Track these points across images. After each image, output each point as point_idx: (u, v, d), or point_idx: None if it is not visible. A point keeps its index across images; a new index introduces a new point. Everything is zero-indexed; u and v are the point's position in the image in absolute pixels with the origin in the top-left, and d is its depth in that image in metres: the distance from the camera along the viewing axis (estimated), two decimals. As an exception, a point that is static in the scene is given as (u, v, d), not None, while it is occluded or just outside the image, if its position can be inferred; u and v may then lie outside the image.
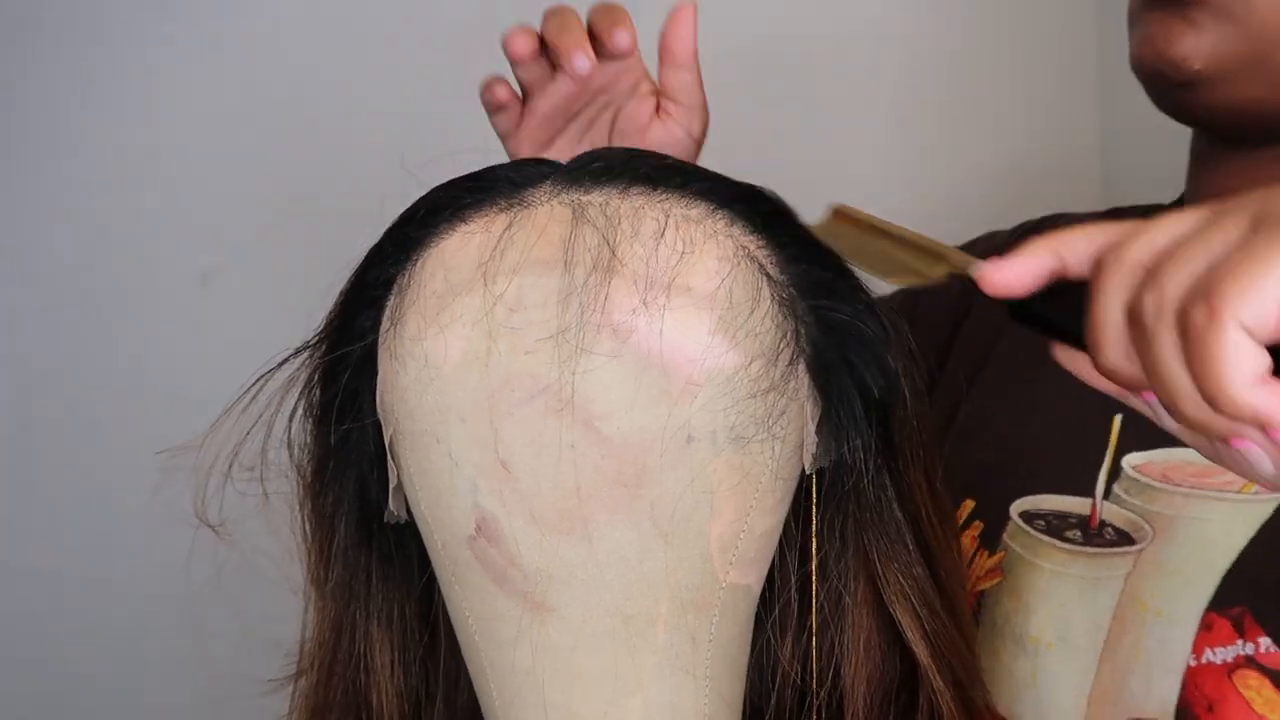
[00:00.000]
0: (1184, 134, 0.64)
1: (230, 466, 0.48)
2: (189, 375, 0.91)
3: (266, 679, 0.52)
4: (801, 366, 0.44)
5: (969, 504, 0.62)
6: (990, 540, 0.60)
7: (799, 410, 0.44)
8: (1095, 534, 0.57)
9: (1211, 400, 0.33)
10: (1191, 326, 0.33)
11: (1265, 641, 0.50)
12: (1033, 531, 0.59)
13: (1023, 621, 0.57)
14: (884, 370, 0.45)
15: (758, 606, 0.46)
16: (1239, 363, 0.32)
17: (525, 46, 0.60)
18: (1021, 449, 0.62)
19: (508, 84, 0.64)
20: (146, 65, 1.03)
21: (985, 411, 0.65)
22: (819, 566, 0.47)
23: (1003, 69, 1.15)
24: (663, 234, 0.42)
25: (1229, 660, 0.51)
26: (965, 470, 0.64)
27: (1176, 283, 0.33)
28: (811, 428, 0.44)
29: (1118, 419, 0.58)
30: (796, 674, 0.48)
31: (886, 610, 0.47)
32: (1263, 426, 0.33)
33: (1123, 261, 0.35)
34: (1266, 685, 0.50)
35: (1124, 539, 0.56)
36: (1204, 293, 0.32)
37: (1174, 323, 0.33)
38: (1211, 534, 0.54)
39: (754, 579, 0.45)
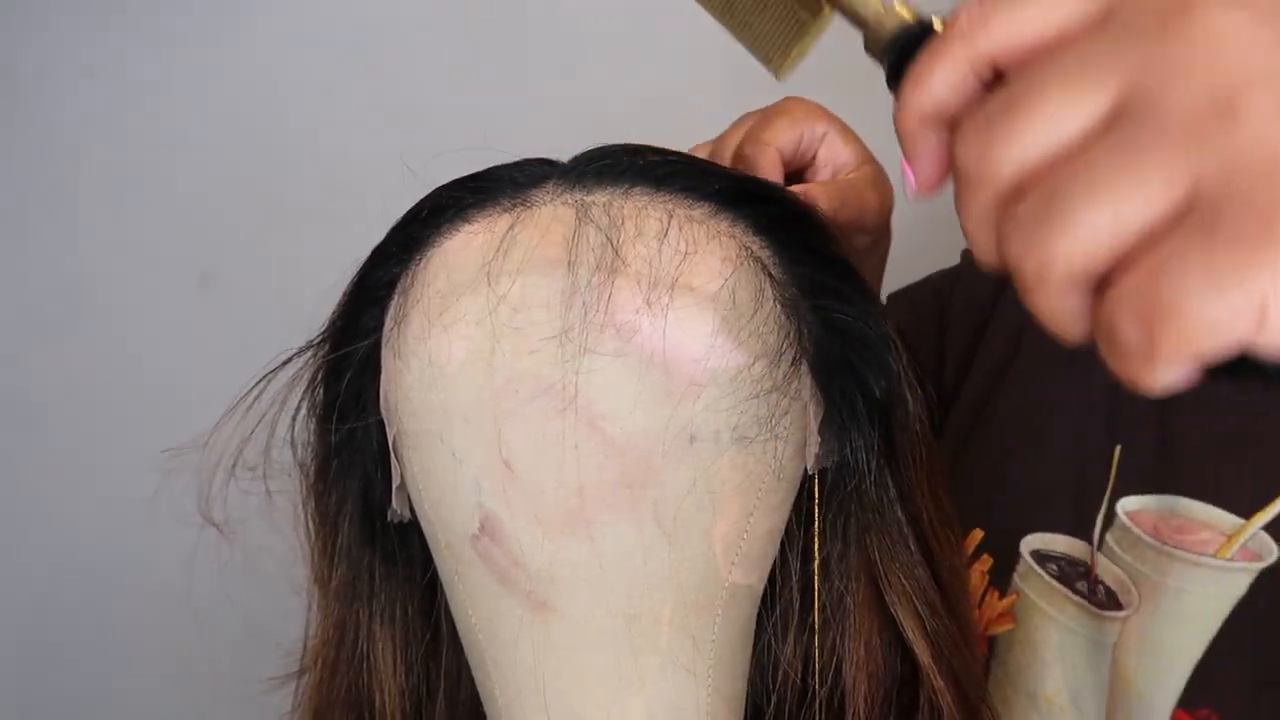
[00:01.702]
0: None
1: (234, 466, 0.48)
2: (189, 375, 0.91)
3: (269, 677, 0.52)
4: (804, 367, 0.44)
5: (978, 534, 0.59)
6: (1000, 578, 0.57)
7: (802, 411, 0.44)
8: (1093, 591, 0.53)
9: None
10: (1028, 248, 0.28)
11: None
12: (1046, 576, 0.55)
13: (1036, 677, 0.53)
14: (886, 371, 0.45)
15: (759, 606, 0.46)
16: (1164, 383, 0.28)
17: None
18: (1033, 480, 0.57)
19: None
20: (146, 65, 1.03)
21: (999, 433, 0.60)
22: (821, 566, 0.47)
23: None
24: (666, 234, 0.43)
25: None
26: (975, 497, 0.60)
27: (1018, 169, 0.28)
28: (814, 428, 0.44)
29: (1117, 450, 0.54)
30: (797, 674, 0.48)
31: (888, 610, 0.47)
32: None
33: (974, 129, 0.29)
34: None
35: (1113, 602, 0.52)
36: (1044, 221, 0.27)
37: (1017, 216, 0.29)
38: (1189, 609, 0.50)
39: (756, 579, 0.45)
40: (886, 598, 0.46)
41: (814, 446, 0.44)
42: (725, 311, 0.42)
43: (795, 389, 0.44)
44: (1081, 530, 0.54)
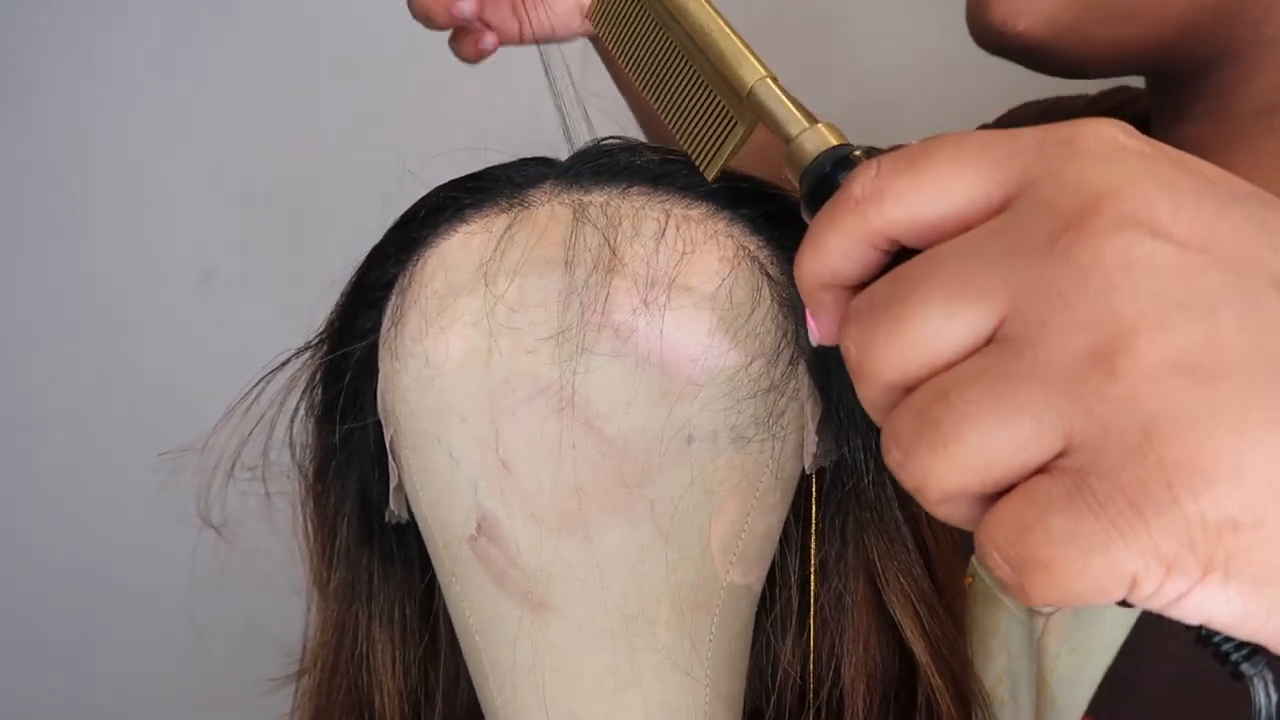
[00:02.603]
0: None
1: (232, 467, 0.48)
2: (188, 376, 0.91)
3: (268, 678, 0.52)
4: (802, 367, 0.44)
5: None
6: (962, 560, 0.55)
7: (799, 410, 0.44)
8: None
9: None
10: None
11: None
12: None
13: (981, 669, 0.52)
14: None
15: (757, 606, 0.46)
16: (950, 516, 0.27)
17: None
18: None
19: None
20: (146, 65, 1.03)
21: None
22: (819, 566, 0.47)
23: None
24: (663, 234, 0.43)
25: None
26: None
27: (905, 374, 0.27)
28: (812, 428, 0.44)
29: None
30: (796, 673, 0.48)
31: (886, 610, 0.47)
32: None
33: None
34: None
35: None
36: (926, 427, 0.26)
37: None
38: (1105, 610, 0.48)
39: (754, 579, 0.45)
40: (884, 597, 0.46)
41: (812, 446, 0.44)
42: (723, 311, 0.42)
43: (793, 388, 0.44)
44: None
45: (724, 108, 0.35)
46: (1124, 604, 0.25)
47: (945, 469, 0.26)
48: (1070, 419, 0.24)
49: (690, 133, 0.37)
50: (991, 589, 0.54)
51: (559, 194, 0.44)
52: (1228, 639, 0.26)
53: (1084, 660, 0.48)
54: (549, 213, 0.44)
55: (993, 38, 0.51)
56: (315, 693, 0.50)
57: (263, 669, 0.52)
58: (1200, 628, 0.26)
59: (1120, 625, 0.48)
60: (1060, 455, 0.25)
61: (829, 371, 0.44)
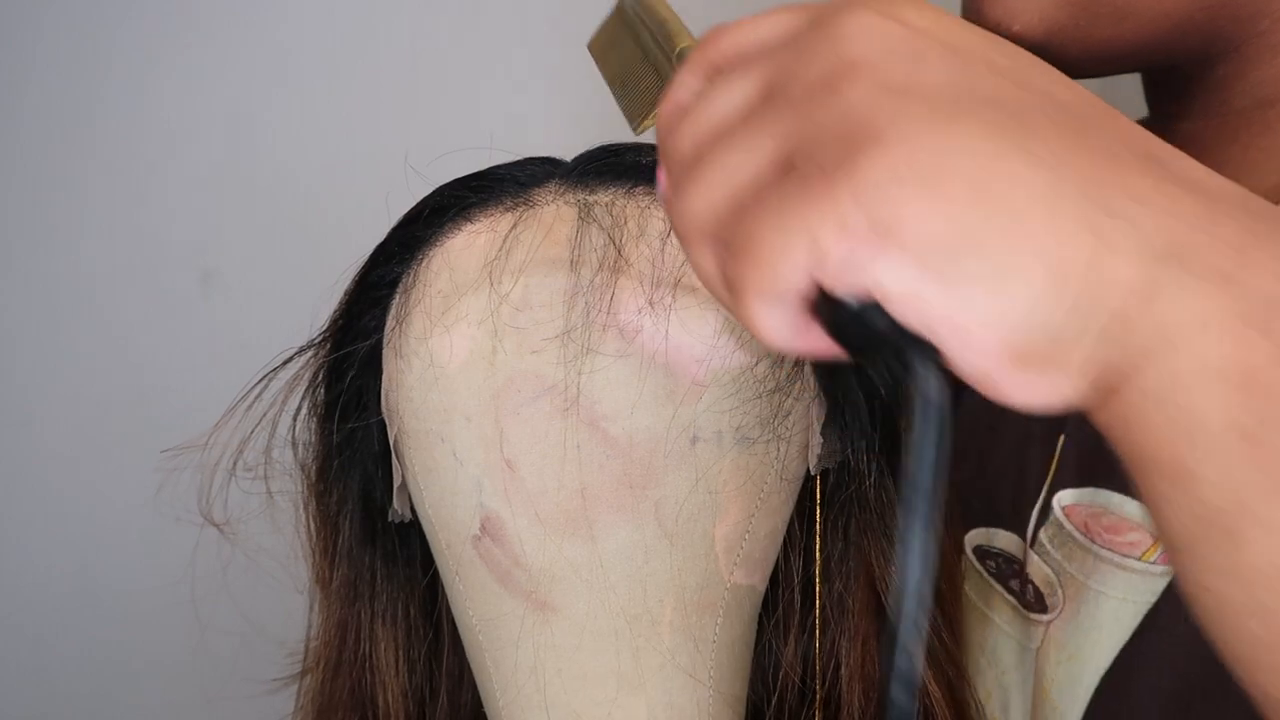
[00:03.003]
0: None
1: (234, 466, 0.48)
2: (190, 375, 0.91)
3: (271, 678, 0.52)
4: (807, 368, 0.44)
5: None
6: None
7: (804, 411, 0.44)
8: (1024, 592, 0.51)
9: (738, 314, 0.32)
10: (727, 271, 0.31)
11: None
12: (985, 574, 0.53)
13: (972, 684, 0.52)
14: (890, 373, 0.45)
15: (761, 607, 0.46)
16: (768, 328, 0.30)
17: None
18: (981, 473, 0.55)
19: None
20: (146, 64, 1.03)
21: (963, 425, 0.59)
22: (822, 567, 0.47)
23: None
24: (669, 234, 0.43)
25: None
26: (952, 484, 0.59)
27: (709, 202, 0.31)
28: (816, 429, 0.44)
29: (1060, 439, 0.51)
30: (797, 675, 0.48)
31: (885, 613, 0.47)
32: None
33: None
34: None
35: (1040, 603, 0.50)
36: (727, 247, 0.30)
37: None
38: (1104, 614, 0.48)
39: (758, 579, 0.45)
40: (884, 600, 0.46)
41: (816, 447, 0.44)
42: (728, 312, 0.42)
43: (798, 389, 0.44)
44: (1019, 525, 0.53)
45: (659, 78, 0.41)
46: (860, 335, 0.29)
47: (698, 190, 0.31)
48: (798, 127, 0.29)
49: (629, 100, 0.42)
50: (976, 603, 0.54)
51: (564, 193, 0.44)
52: (907, 333, 0.28)
53: (1081, 668, 0.48)
54: (554, 212, 0.44)
55: None
56: (318, 692, 0.50)
57: (265, 668, 0.52)
58: (882, 317, 0.29)
59: (1119, 632, 0.48)
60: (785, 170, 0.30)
61: (834, 372, 0.44)
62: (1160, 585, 0.47)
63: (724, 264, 0.31)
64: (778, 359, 0.43)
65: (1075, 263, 0.27)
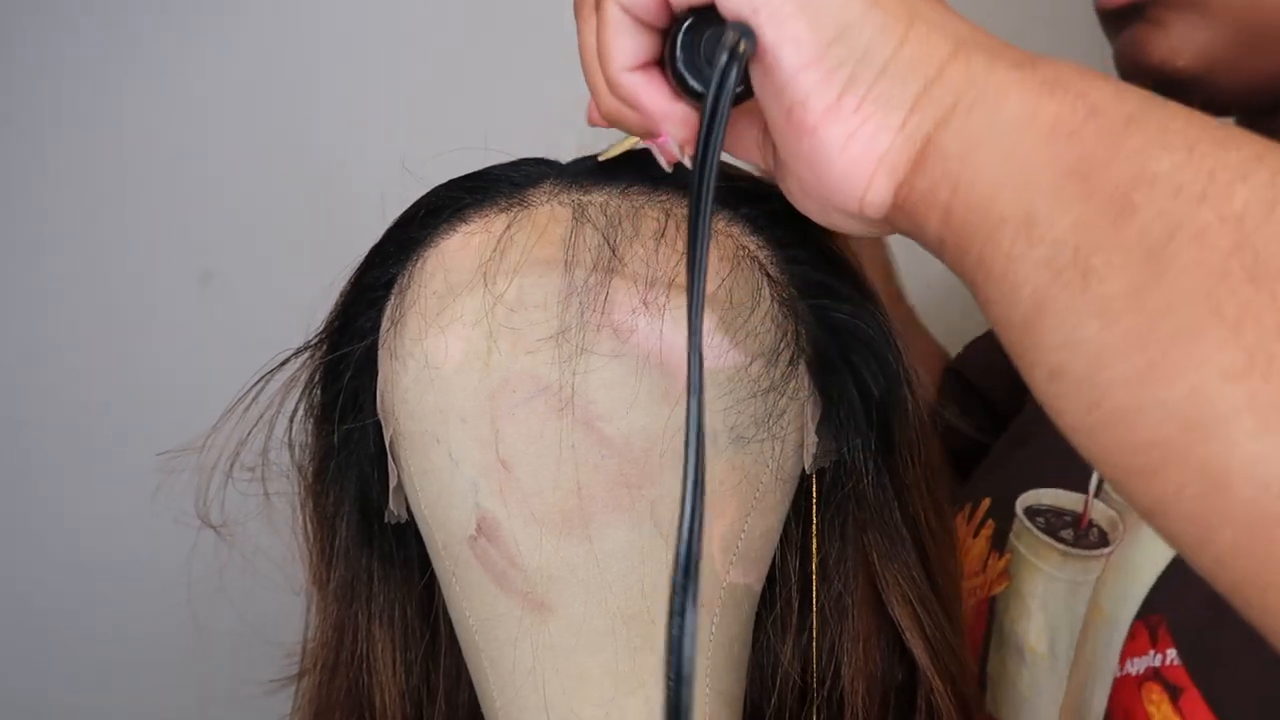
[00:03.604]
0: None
1: (231, 467, 0.48)
2: (189, 376, 0.91)
3: (269, 679, 0.52)
4: (802, 367, 0.44)
5: (985, 503, 0.61)
6: (1000, 540, 0.59)
7: (799, 410, 0.44)
8: (1083, 535, 0.55)
9: (609, 85, 0.36)
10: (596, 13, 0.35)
11: (1171, 654, 0.48)
12: (1034, 529, 0.57)
13: (1023, 631, 0.56)
14: (885, 370, 0.45)
15: (758, 605, 0.46)
16: (617, 44, 0.35)
17: None
18: (1035, 442, 0.60)
19: None
20: (146, 64, 1.03)
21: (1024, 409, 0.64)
22: (819, 566, 0.47)
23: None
24: (663, 234, 0.43)
25: (1141, 672, 0.49)
26: (988, 468, 0.63)
27: None
28: (812, 428, 0.44)
29: None
30: (797, 673, 0.48)
31: (886, 611, 0.47)
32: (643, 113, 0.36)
33: None
34: (1165, 701, 0.48)
35: (1102, 540, 0.54)
36: None
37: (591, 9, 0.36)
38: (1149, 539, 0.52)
39: (755, 578, 0.45)
40: (884, 598, 0.46)
41: (812, 446, 0.44)
42: (722, 311, 0.42)
43: (793, 388, 0.44)
44: (1076, 482, 0.56)
45: None
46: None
47: None
48: None
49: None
50: (1026, 557, 0.56)
51: (558, 194, 0.44)
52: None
53: (1135, 577, 0.51)
54: (549, 212, 0.44)
55: (1150, 75, 0.53)
56: (315, 693, 0.50)
57: (262, 669, 0.52)
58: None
59: (1165, 550, 0.50)
60: None
61: (829, 371, 0.44)
62: None
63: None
64: (772, 358, 0.43)
65: (896, 12, 0.32)
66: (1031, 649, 0.55)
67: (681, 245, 0.42)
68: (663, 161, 0.39)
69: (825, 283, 0.45)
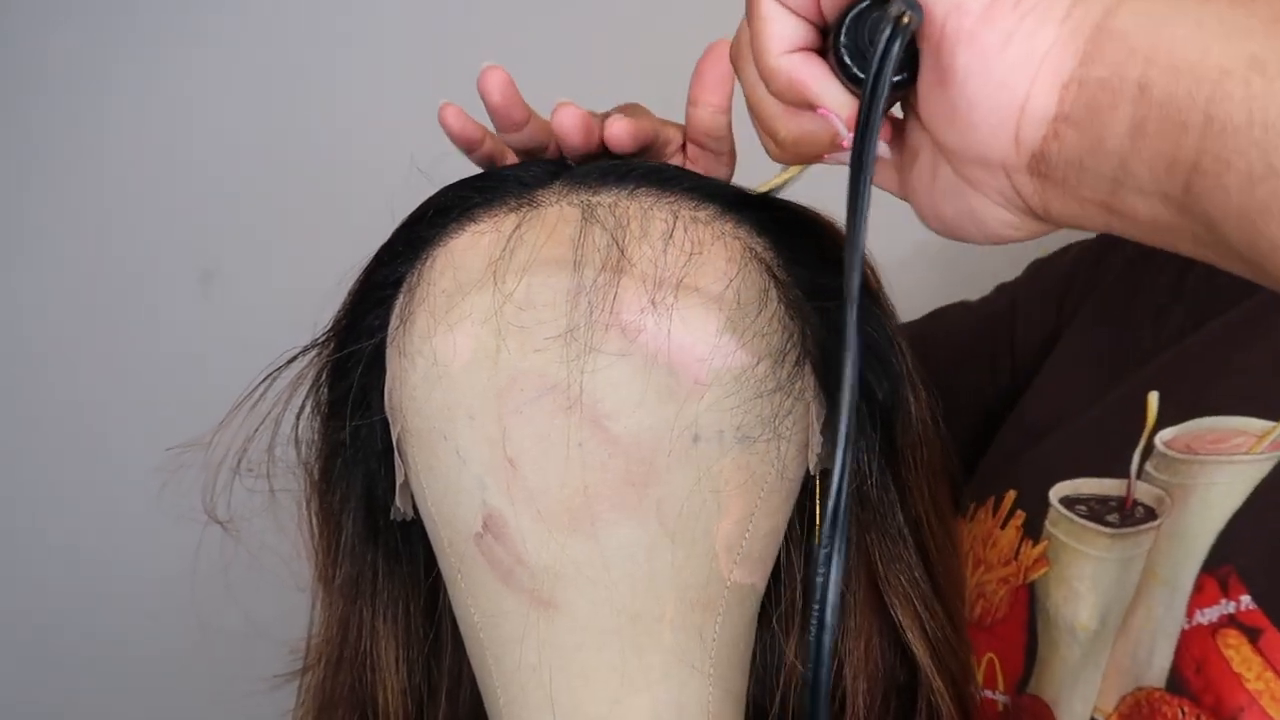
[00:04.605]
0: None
1: (238, 464, 0.48)
2: (192, 374, 0.91)
3: (273, 675, 0.52)
4: (808, 368, 0.44)
5: (1011, 495, 0.61)
6: (1033, 529, 0.60)
7: (805, 411, 0.44)
8: (1129, 515, 0.56)
9: (765, 77, 0.37)
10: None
11: (1246, 599, 0.49)
12: (1075, 518, 0.58)
13: (1073, 612, 0.56)
14: (889, 373, 0.45)
15: (762, 604, 0.46)
16: (769, 31, 0.35)
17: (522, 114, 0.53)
18: (1060, 434, 0.61)
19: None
20: (148, 64, 1.03)
21: (1037, 394, 0.65)
22: (823, 566, 0.47)
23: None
24: (671, 234, 0.43)
25: (1214, 620, 0.50)
26: (1008, 460, 0.63)
27: None
28: (817, 428, 0.45)
29: (1153, 396, 0.57)
30: (799, 673, 0.48)
31: (888, 611, 0.47)
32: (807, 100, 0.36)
33: None
34: (1244, 644, 0.49)
35: (1150, 515, 0.55)
36: None
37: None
38: (1215, 497, 0.53)
39: (759, 578, 0.45)
40: (886, 599, 0.47)
41: (816, 447, 0.45)
42: (730, 312, 0.42)
43: (799, 389, 0.44)
44: (1115, 469, 0.57)
45: None
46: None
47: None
48: None
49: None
50: (1068, 544, 0.57)
51: (568, 194, 0.45)
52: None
53: (1191, 544, 0.52)
54: (558, 213, 0.44)
55: None
56: (319, 689, 0.50)
57: (267, 665, 0.52)
58: None
59: (1230, 505, 0.51)
60: None
61: (835, 373, 0.45)
62: (1268, 466, 0.51)
63: None
64: (778, 358, 0.43)
65: None
66: (1084, 627, 0.55)
67: (689, 246, 0.43)
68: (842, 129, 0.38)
69: (831, 285, 0.45)
